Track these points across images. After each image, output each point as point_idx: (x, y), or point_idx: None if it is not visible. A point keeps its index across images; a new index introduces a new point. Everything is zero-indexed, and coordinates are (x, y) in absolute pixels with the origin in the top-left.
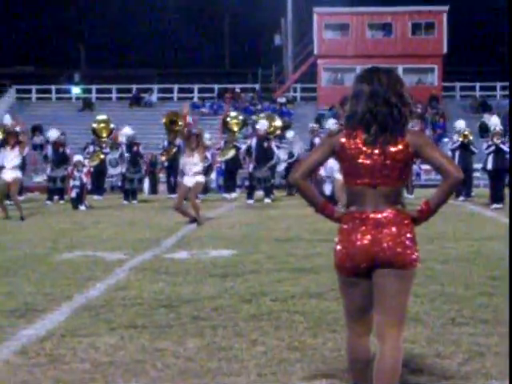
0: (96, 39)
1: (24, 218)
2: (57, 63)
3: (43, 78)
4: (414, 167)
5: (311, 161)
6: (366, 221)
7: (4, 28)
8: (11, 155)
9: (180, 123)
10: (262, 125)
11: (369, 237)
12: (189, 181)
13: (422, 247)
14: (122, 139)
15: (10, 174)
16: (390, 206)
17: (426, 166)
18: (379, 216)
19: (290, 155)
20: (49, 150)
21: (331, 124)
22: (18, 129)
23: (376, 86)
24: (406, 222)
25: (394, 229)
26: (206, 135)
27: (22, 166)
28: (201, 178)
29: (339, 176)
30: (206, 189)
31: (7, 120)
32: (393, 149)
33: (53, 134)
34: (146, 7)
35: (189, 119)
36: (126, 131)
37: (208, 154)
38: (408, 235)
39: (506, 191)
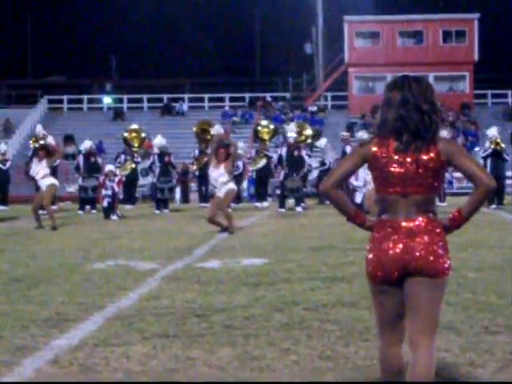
0: (127, 49)
1: (56, 227)
2: (88, 73)
3: (75, 87)
4: (446, 175)
5: (342, 170)
6: (397, 229)
7: (35, 38)
8: (38, 167)
9: (211, 132)
10: (291, 129)
11: (401, 245)
12: (221, 192)
13: (454, 255)
14: (155, 150)
15: (44, 183)
16: (422, 214)
17: (458, 174)
18: (411, 224)
19: (322, 163)
20: (80, 159)
21: (362, 136)
22: (50, 140)
23: (407, 94)
24: (437, 230)
25: (426, 237)
26: (241, 144)
27: (54, 176)
28: (231, 186)
29: (370, 185)
30: (238, 198)
31: (39, 130)
32: (425, 157)
33: (85, 145)
34: (177, 17)
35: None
36: (159, 141)
37: (240, 163)
38: (440, 243)
39: None
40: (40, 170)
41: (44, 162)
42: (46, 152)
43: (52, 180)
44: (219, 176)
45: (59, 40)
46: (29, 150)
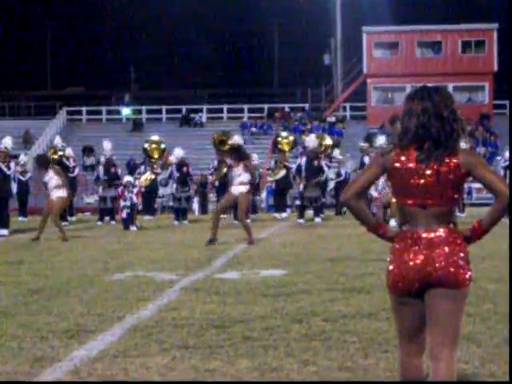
0: (145, 60)
1: (67, 239)
2: (107, 84)
3: (93, 99)
4: (465, 185)
5: (362, 180)
6: (418, 240)
7: (54, 50)
8: (49, 176)
9: (229, 142)
10: (311, 140)
11: (421, 257)
12: (235, 189)
13: (473, 266)
14: (173, 160)
15: (54, 194)
16: (443, 225)
17: (477, 185)
18: (432, 235)
19: (338, 174)
20: (100, 170)
21: (381, 141)
22: (68, 151)
23: (427, 103)
24: (458, 241)
25: (446, 248)
26: (254, 155)
27: (73, 187)
28: (244, 189)
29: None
30: (254, 208)
31: (57, 141)
32: (445, 168)
33: (106, 146)
34: (195, 29)
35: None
36: (178, 153)
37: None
38: (461, 254)
39: None
40: (49, 179)
41: (51, 172)
42: (55, 167)
43: (62, 193)
44: (238, 175)
45: (78, 52)
46: None
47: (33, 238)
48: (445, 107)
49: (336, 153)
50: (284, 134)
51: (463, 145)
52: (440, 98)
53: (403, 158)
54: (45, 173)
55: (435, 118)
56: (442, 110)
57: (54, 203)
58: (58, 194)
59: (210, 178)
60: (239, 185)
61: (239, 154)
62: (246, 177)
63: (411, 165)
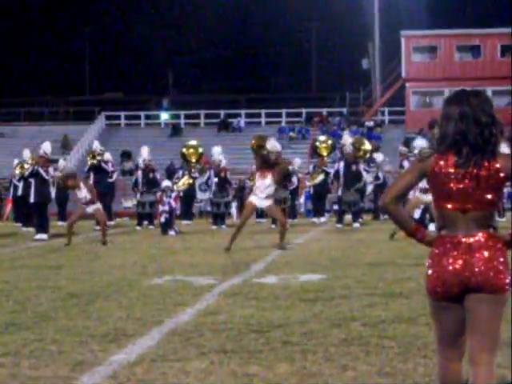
0: (184, 65)
1: (106, 243)
2: (145, 89)
3: (132, 104)
4: (505, 190)
5: (401, 185)
6: (457, 245)
7: (93, 55)
8: (82, 194)
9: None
10: (346, 138)
11: (460, 261)
12: (257, 201)
13: None
14: (215, 156)
15: (91, 208)
16: (482, 229)
17: None
18: (471, 240)
19: (376, 178)
20: (139, 175)
21: (419, 143)
22: (107, 156)
23: (466, 108)
24: (498, 246)
25: (486, 253)
26: (297, 160)
27: (111, 192)
28: (271, 202)
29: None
30: (293, 213)
31: (96, 146)
32: (484, 173)
33: (144, 152)
34: (234, 34)
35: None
36: (217, 150)
37: (294, 179)
38: (500, 259)
39: None
40: (82, 196)
41: (83, 188)
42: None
43: (98, 205)
44: (266, 187)
45: (116, 57)
46: (86, 166)
47: (65, 243)
48: (483, 111)
49: (377, 156)
50: (322, 138)
51: (505, 149)
52: (478, 102)
53: (442, 163)
54: (78, 190)
55: (473, 122)
56: (481, 116)
57: (101, 213)
58: (97, 206)
59: (248, 182)
60: (266, 198)
61: (270, 163)
62: (272, 190)
63: (450, 169)
